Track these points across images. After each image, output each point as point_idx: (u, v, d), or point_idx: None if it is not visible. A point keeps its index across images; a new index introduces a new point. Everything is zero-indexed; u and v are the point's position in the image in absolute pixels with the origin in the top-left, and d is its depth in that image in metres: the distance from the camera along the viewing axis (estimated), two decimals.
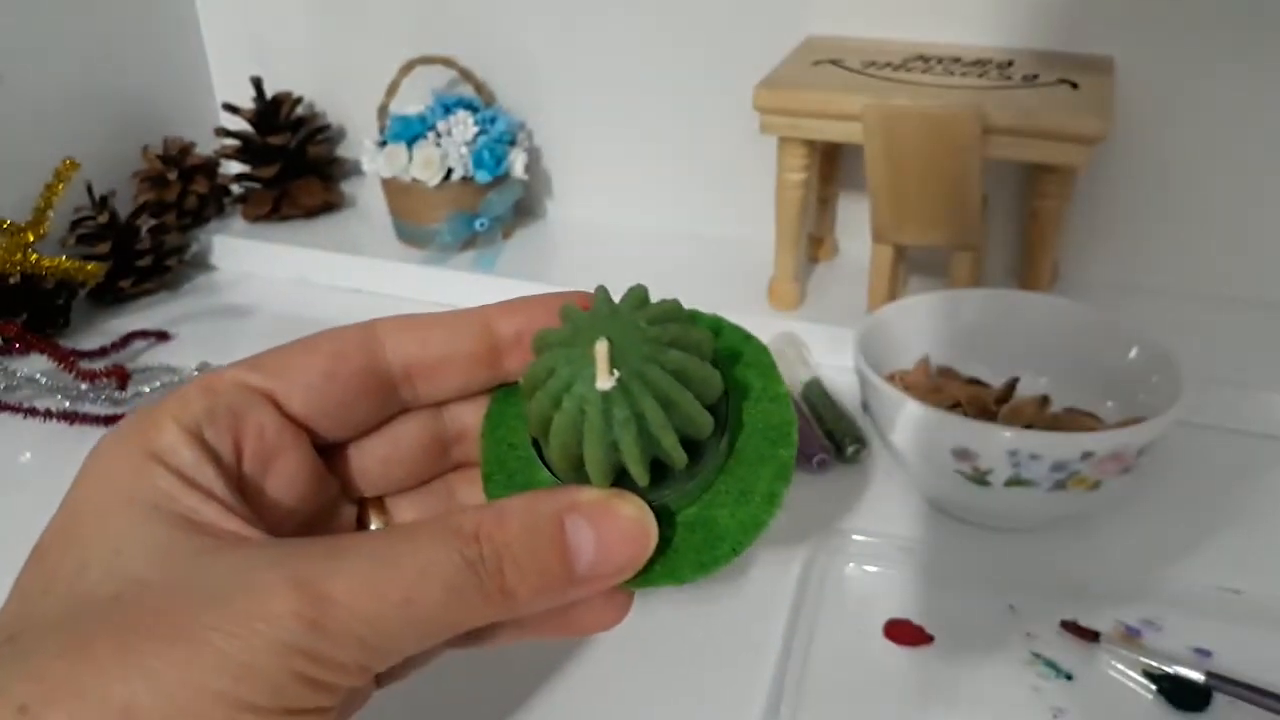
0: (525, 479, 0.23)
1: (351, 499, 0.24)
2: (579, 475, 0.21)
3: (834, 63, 0.49)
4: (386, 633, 0.18)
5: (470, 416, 0.24)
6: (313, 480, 0.22)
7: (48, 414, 0.46)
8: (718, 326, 0.24)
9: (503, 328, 0.23)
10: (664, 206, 0.61)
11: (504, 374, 0.24)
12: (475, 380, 0.23)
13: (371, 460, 0.24)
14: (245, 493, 0.21)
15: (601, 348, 0.20)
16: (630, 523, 0.20)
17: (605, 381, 0.20)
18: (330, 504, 0.23)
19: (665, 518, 0.21)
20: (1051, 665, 0.32)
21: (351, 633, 0.18)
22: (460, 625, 0.19)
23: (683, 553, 0.22)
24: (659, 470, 0.21)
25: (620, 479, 0.21)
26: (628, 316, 0.21)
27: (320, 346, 0.22)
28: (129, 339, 0.53)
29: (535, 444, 0.22)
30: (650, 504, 0.21)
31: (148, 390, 0.48)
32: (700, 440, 0.22)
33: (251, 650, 0.17)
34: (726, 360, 0.23)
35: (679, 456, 0.21)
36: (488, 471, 0.23)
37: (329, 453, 0.23)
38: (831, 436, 0.43)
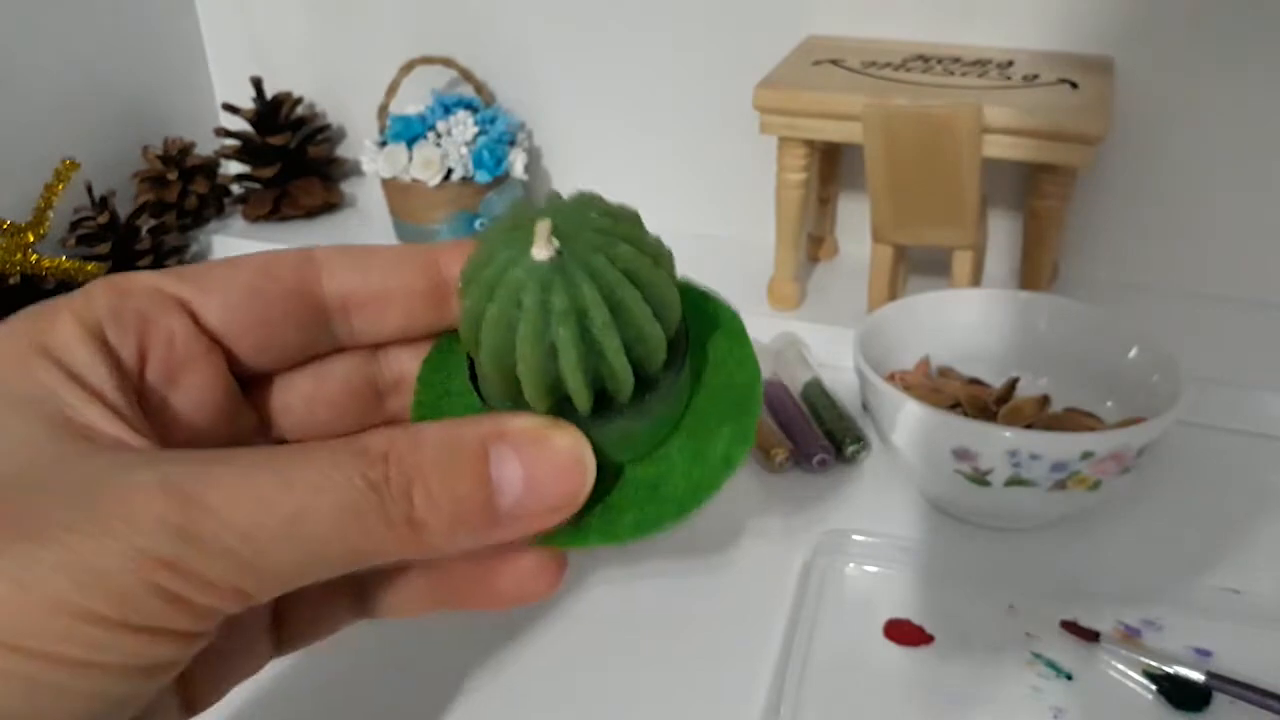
0: None
1: (272, 439, 0.22)
2: (516, 401, 0.18)
3: (834, 63, 0.49)
4: (265, 550, 0.15)
5: (409, 363, 0.22)
6: (225, 403, 0.20)
7: None
8: (685, 286, 0.22)
9: (451, 266, 0.21)
10: (663, 206, 0.61)
11: (449, 318, 0.21)
12: (417, 321, 0.21)
13: (295, 396, 0.21)
14: (145, 403, 0.19)
15: (543, 224, 0.17)
16: (565, 455, 0.18)
17: (543, 251, 0.17)
18: (244, 436, 0.21)
19: (608, 470, 0.19)
20: (1052, 665, 0.32)
21: (223, 544, 0.15)
22: (356, 555, 0.17)
23: (622, 510, 0.19)
24: (604, 406, 0.18)
25: (561, 408, 0.18)
26: (577, 208, 0.18)
27: (250, 262, 0.20)
28: None
29: (474, 382, 0.20)
30: (592, 441, 0.18)
31: None
32: (652, 376, 0.19)
33: (104, 553, 0.15)
34: (693, 320, 0.22)
35: (625, 376, 0.18)
36: (419, 415, 0.21)
37: (250, 384, 0.21)
38: (831, 436, 0.43)
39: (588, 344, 0.17)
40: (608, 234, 0.18)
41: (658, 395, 0.19)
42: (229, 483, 0.16)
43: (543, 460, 0.18)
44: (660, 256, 0.19)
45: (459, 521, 0.17)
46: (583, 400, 0.18)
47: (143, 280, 0.19)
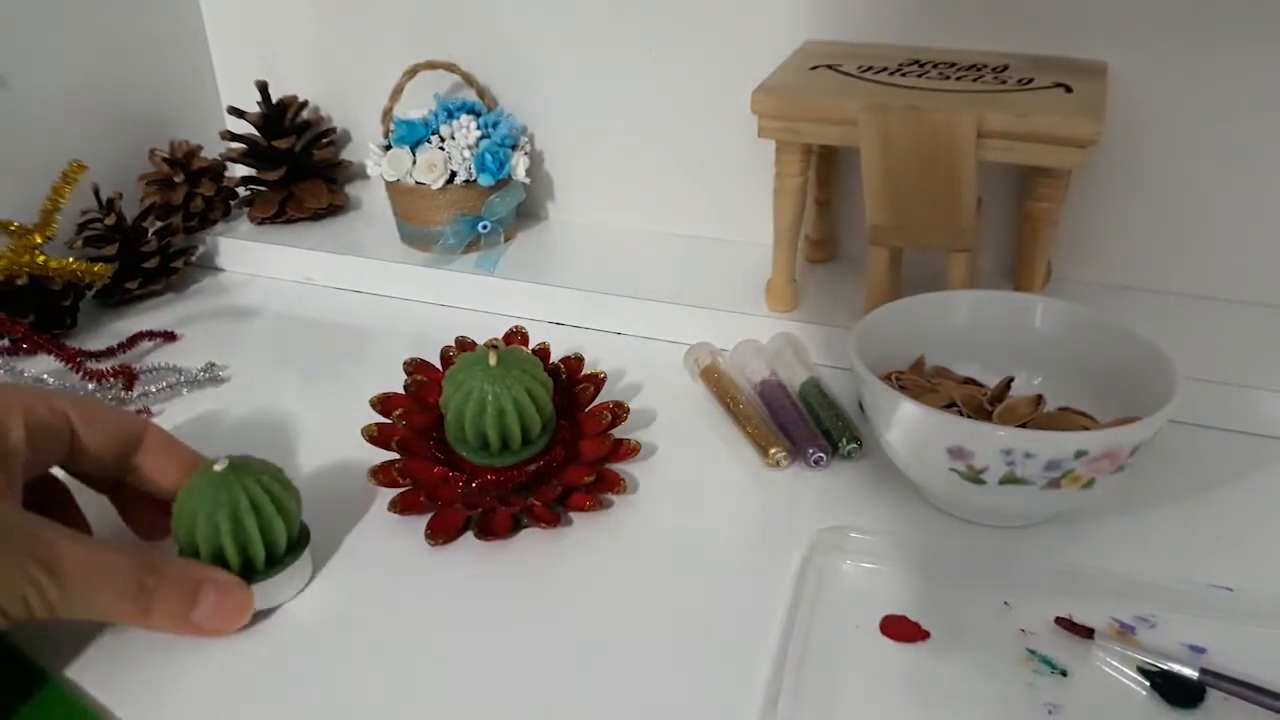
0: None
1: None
2: (458, 436, 0.40)
3: (831, 67, 0.49)
4: (72, 585, 0.30)
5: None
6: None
7: None
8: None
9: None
10: (663, 209, 0.62)
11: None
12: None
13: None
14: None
15: (493, 352, 0.39)
16: (238, 601, 0.33)
17: (493, 359, 0.39)
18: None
19: None
20: (1046, 661, 0.32)
21: (70, 577, 0.30)
22: (112, 608, 0.31)
23: None
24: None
25: (485, 446, 0.39)
26: (513, 352, 0.40)
27: (117, 422, 0.36)
28: (136, 339, 0.54)
29: (442, 425, 0.41)
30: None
31: (154, 390, 0.49)
32: (528, 440, 0.40)
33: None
34: None
35: (516, 432, 0.39)
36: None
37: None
38: (828, 435, 0.43)
39: (499, 412, 0.38)
40: (524, 365, 0.40)
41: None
42: (76, 546, 0.31)
43: (227, 599, 0.33)
44: (546, 384, 0.40)
45: (169, 617, 0.32)
46: (495, 440, 0.39)
47: (58, 405, 0.34)
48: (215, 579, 0.33)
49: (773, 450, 0.42)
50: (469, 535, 0.38)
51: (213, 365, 0.51)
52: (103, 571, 0.31)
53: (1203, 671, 0.31)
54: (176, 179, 0.62)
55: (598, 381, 0.44)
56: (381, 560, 0.38)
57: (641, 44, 0.57)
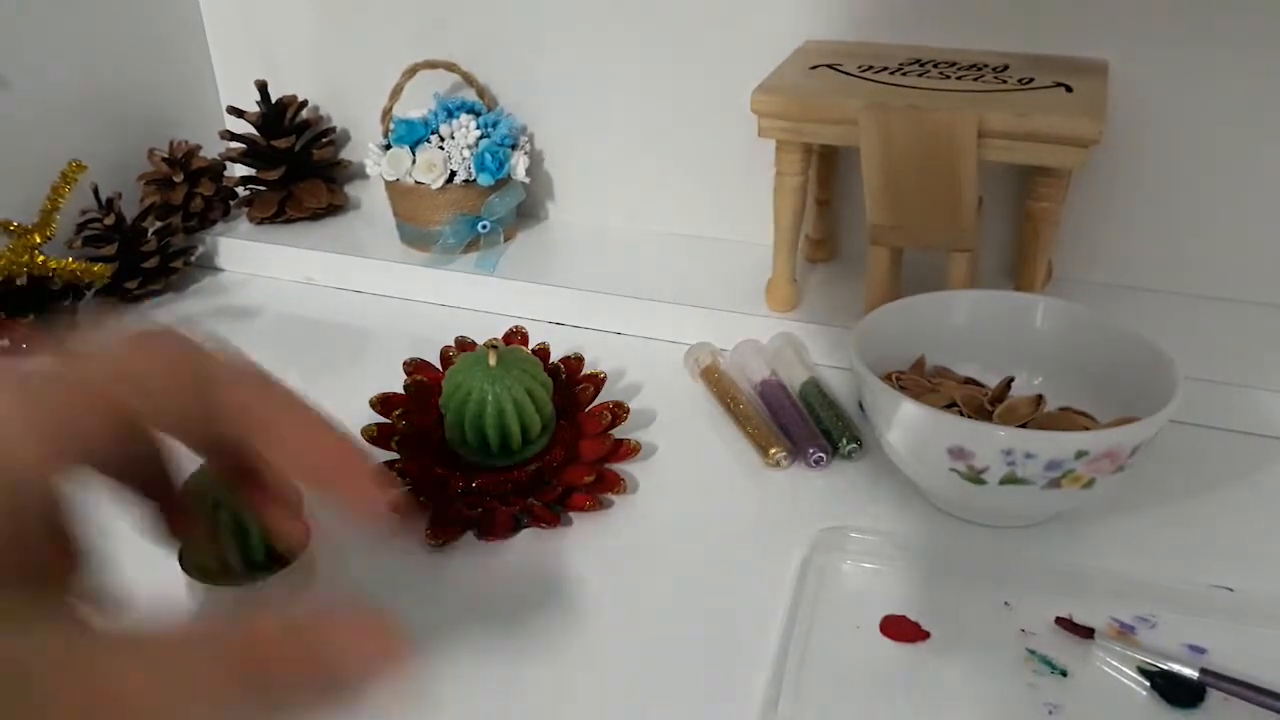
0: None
1: None
2: (453, 434, 0.40)
3: (831, 67, 0.49)
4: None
5: None
6: None
7: None
8: None
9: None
10: (663, 209, 0.62)
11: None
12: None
13: None
14: None
15: (493, 352, 0.39)
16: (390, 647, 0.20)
17: (493, 359, 0.39)
18: None
19: None
20: (1047, 661, 0.32)
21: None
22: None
23: None
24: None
25: (485, 446, 0.39)
26: (513, 351, 0.41)
27: None
28: None
29: (442, 426, 0.41)
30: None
31: None
32: (527, 440, 0.40)
33: None
34: None
35: (516, 433, 0.39)
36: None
37: None
38: (828, 435, 0.43)
39: (499, 412, 0.38)
40: (524, 365, 0.40)
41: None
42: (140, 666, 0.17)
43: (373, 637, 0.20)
44: (546, 384, 0.40)
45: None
46: (495, 440, 0.39)
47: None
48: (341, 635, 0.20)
49: (773, 450, 0.42)
50: (469, 535, 0.38)
51: None
52: (186, 685, 0.18)
53: (1203, 671, 0.31)
54: (176, 179, 0.62)
55: (598, 381, 0.44)
56: (382, 560, 0.38)
57: (642, 44, 0.57)
